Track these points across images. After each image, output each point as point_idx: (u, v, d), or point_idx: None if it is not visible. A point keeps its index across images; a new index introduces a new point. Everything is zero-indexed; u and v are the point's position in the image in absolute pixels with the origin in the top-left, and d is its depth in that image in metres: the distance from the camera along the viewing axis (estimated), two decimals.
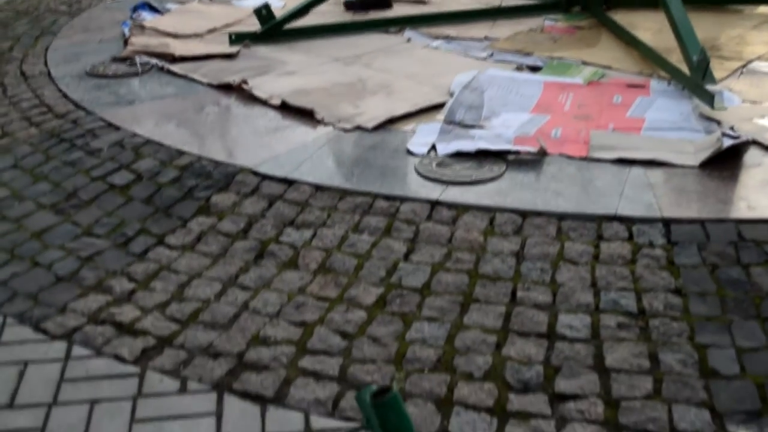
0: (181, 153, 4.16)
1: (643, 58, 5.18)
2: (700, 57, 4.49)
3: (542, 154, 3.98)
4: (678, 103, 4.50)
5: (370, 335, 2.96)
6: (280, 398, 2.72)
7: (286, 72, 5.22)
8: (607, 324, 2.97)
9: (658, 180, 3.76)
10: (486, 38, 5.85)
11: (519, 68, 5.21)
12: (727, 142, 3.89)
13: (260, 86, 4.93)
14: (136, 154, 4.21)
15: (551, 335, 2.93)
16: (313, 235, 3.50)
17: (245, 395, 2.74)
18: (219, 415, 2.67)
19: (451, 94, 4.69)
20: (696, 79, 4.52)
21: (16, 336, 3.08)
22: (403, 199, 3.68)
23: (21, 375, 2.89)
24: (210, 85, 5.08)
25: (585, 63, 5.20)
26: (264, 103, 4.75)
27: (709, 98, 4.38)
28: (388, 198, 3.69)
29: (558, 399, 2.67)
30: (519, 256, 3.33)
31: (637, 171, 3.83)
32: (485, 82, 4.76)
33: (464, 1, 6.71)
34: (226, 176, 3.94)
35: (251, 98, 4.84)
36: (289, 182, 3.86)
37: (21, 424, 2.69)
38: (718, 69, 4.72)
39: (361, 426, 1.81)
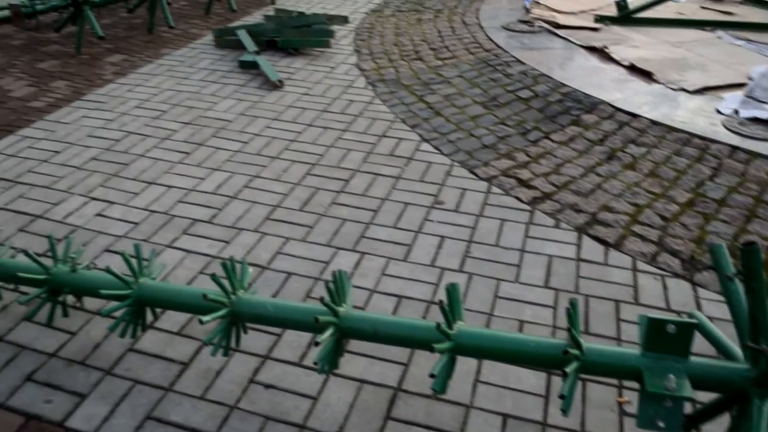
0: (563, 84, 4.11)
1: None
2: None
3: None
4: None
5: (680, 222, 2.85)
6: (617, 245, 2.70)
7: (632, 45, 4.93)
8: None
9: None
10: None
11: None
12: None
13: (615, 51, 4.71)
14: (534, 80, 4.21)
15: None
16: (647, 152, 3.38)
17: (595, 238, 2.75)
18: (578, 246, 2.71)
19: (750, 78, 4.24)
20: None
21: (459, 174, 3.25)
22: (712, 141, 3.44)
23: (462, 195, 3.07)
24: (581, 46, 4.91)
25: None
26: (617, 63, 4.54)
27: None
28: (702, 138, 3.46)
29: None
30: None
31: None
32: None
33: (761, 16, 5.96)
34: (592, 104, 3.85)
35: (608, 58, 4.64)
36: (633, 115, 3.71)
37: (461, 222, 2.87)
38: None
39: (710, 266, 1.71)
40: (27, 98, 4.21)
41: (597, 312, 2.34)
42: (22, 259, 2.57)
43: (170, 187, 3.12)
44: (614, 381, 2.04)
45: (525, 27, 5.40)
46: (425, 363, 2.09)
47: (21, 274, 2.19)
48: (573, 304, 1.66)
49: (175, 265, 2.56)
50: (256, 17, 5.91)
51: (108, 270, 2.05)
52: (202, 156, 3.41)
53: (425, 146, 3.49)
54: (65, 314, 2.27)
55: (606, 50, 4.73)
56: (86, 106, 4.06)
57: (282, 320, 1.91)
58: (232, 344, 2.01)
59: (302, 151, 3.45)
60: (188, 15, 6.08)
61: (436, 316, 2.29)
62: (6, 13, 5.82)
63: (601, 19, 5.55)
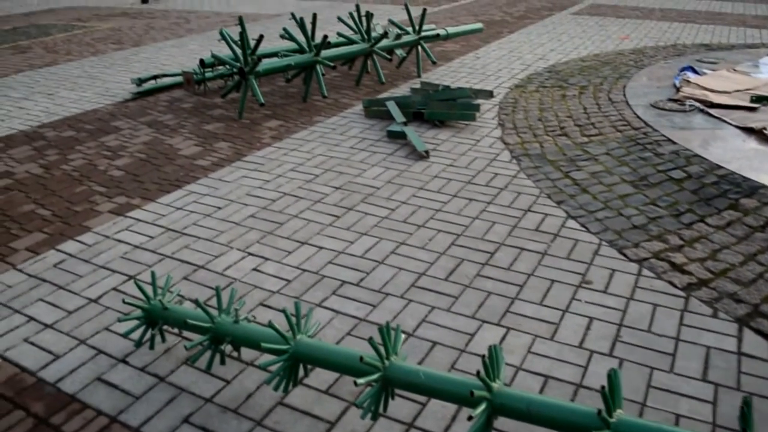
0: (719, 166, 3.93)
1: None
2: None
3: None
4: None
5: None
6: None
7: None
8: None
9: None
10: None
11: None
12: None
13: None
14: (687, 161, 4.06)
15: None
16: None
17: (758, 332, 2.57)
18: (739, 339, 2.54)
19: None
20: None
21: (607, 254, 3.16)
22: None
23: (611, 276, 2.97)
24: (737, 126, 4.71)
25: None
26: None
27: None
28: None
29: None
30: None
31: None
32: None
33: None
34: (752, 188, 3.64)
35: (767, 140, 4.40)
36: None
37: (611, 304, 2.77)
38: None
39: None
40: (194, 156, 4.58)
41: (762, 413, 2.16)
42: (187, 306, 2.76)
43: (321, 248, 3.26)
44: None
45: (675, 105, 5.26)
46: None
47: (190, 321, 2.34)
48: (747, 402, 1.55)
49: (325, 325, 2.65)
50: (403, 89, 6.15)
51: (270, 324, 2.15)
52: (352, 220, 3.54)
53: (571, 223, 3.44)
54: (222, 362, 2.40)
55: (765, 132, 4.50)
56: (246, 167, 4.35)
57: (433, 390, 1.92)
58: (380, 409, 2.03)
59: (447, 221, 3.50)
60: (339, 86, 6.43)
61: (581, 401, 2.21)
62: (179, 79, 6.44)
63: (757, 99, 5.30)
